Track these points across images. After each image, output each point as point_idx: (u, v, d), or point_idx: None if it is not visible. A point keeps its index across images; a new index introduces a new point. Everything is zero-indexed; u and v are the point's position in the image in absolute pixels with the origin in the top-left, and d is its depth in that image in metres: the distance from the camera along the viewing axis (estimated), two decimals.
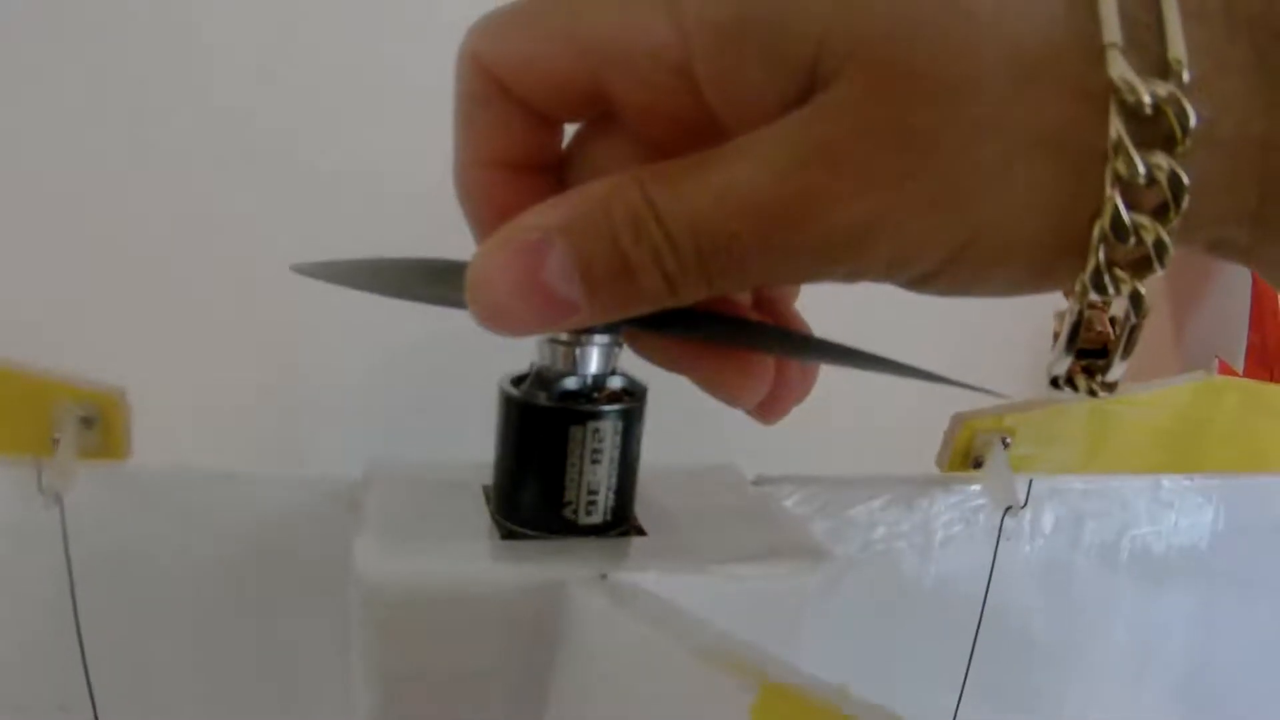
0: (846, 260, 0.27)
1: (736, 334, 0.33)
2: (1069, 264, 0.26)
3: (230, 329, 0.62)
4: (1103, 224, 0.25)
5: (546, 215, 0.27)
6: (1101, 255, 0.26)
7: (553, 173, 0.32)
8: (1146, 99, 0.24)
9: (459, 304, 0.30)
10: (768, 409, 0.34)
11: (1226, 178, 0.26)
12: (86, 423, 0.40)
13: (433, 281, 0.33)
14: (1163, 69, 0.25)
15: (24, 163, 0.58)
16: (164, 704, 0.43)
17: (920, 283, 0.28)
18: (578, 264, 0.27)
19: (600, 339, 0.32)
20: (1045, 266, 0.27)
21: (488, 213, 0.32)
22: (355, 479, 0.39)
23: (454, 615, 0.31)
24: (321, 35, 0.62)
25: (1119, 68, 0.24)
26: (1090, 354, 0.29)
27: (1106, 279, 0.26)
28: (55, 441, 0.40)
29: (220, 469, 0.41)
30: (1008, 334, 0.76)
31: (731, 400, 0.33)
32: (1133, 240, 0.25)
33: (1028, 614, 0.52)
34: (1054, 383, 0.30)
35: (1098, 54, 0.25)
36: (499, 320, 0.28)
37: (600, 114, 0.31)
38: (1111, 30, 0.25)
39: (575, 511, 0.33)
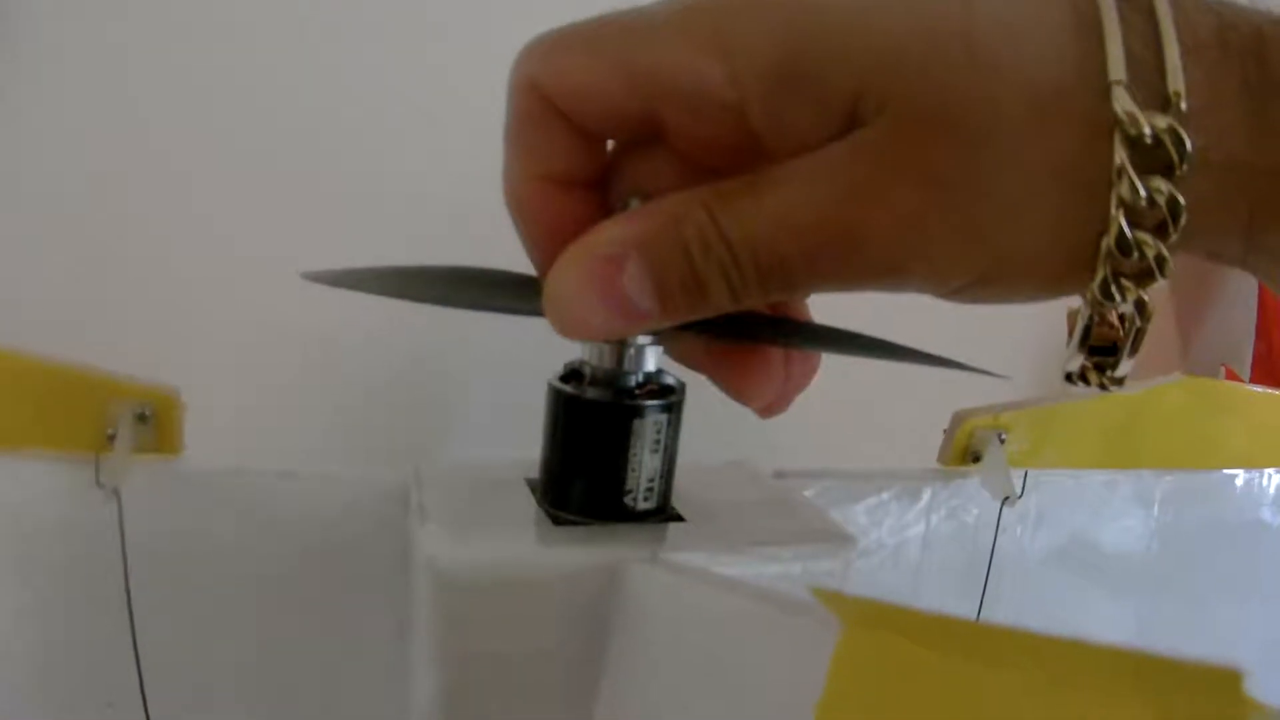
0: (882, 280, 0.31)
1: (761, 330, 0.38)
2: (1080, 276, 0.30)
3: (270, 332, 0.65)
4: (1109, 241, 0.29)
5: (622, 231, 0.31)
6: (1108, 269, 0.30)
7: (598, 186, 0.36)
8: (1147, 130, 0.28)
9: (501, 309, 0.35)
10: (773, 408, 0.38)
11: (1220, 198, 0.30)
12: (141, 420, 0.43)
13: (468, 288, 0.37)
14: (1163, 102, 0.28)
15: (79, 168, 0.61)
16: (214, 699, 0.46)
17: (949, 296, 0.32)
18: (652, 276, 0.31)
19: (648, 340, 0.36)
20: (1059, 280, 0.31)
21: (538, 224, 0.35)
22: (404, 477, 0.42)
23: (518, 597, 0.35)
24: (361, 44, 0.64)
25: (1123, 102, 0.28)
26: (1100, 351, 0.33)
27: (1114, 289, 0.30)
28: (111, 438, 0.43)
29: (273, 466, 0.44)
30: (1018, 327, 0.80)
31: (745, 399, 0.37)
32: (1136, 255, 0.29)
33: (1014, 607, 0.56)
34: (1068, 378, 0.35)
35: (1104, 91, 0.28)
36: (578, 327, 0.32)
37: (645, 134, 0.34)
38: (1117, 69, 0.29)
39: (635, 499, 0.37)
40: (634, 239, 0.31)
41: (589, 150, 0.35)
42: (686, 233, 0.31)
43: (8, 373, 0.42)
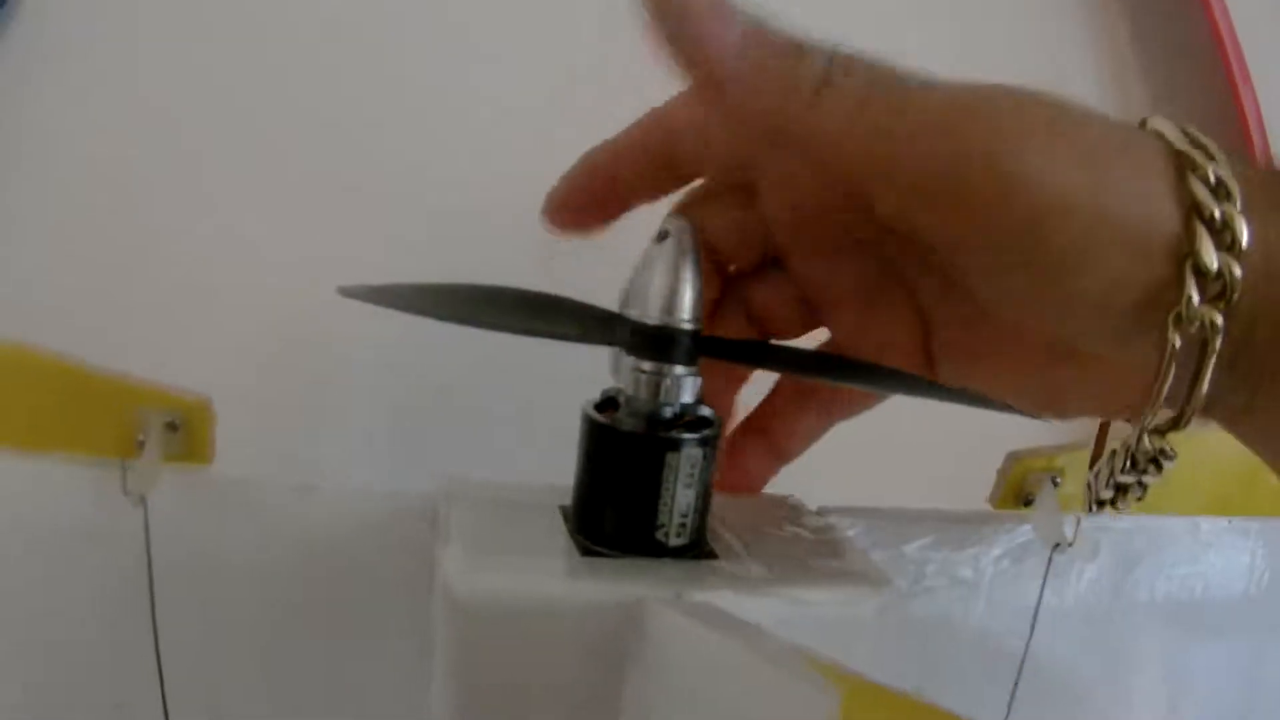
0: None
1: (800, 364, 0.38)
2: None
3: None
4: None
5: None
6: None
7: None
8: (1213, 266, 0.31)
9: (535, 333, 0.36)
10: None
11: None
12: (171, 428, 0.43)
13: (504, 310, 0.37)
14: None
15: (110, 172, 0.61)
16: (231, 708, 0.46)
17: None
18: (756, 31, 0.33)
19: (686, 370, 0.36)
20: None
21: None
22: (432, 495, 0.42)
23: (535, 628, 0.35)
24: (398, 52, 0.65)
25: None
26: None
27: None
28: (140, 444, 0.43)
29: (302, 480, 0.44)
30: None
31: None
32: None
33: (1069, 656, 0.55)
34: (1099, 504, 0.39)
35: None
36: (663, 14, 0.33)
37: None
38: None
39: (666, 534, 0.36)
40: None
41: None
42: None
43: (38, 374, 0.42)
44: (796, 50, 0.32)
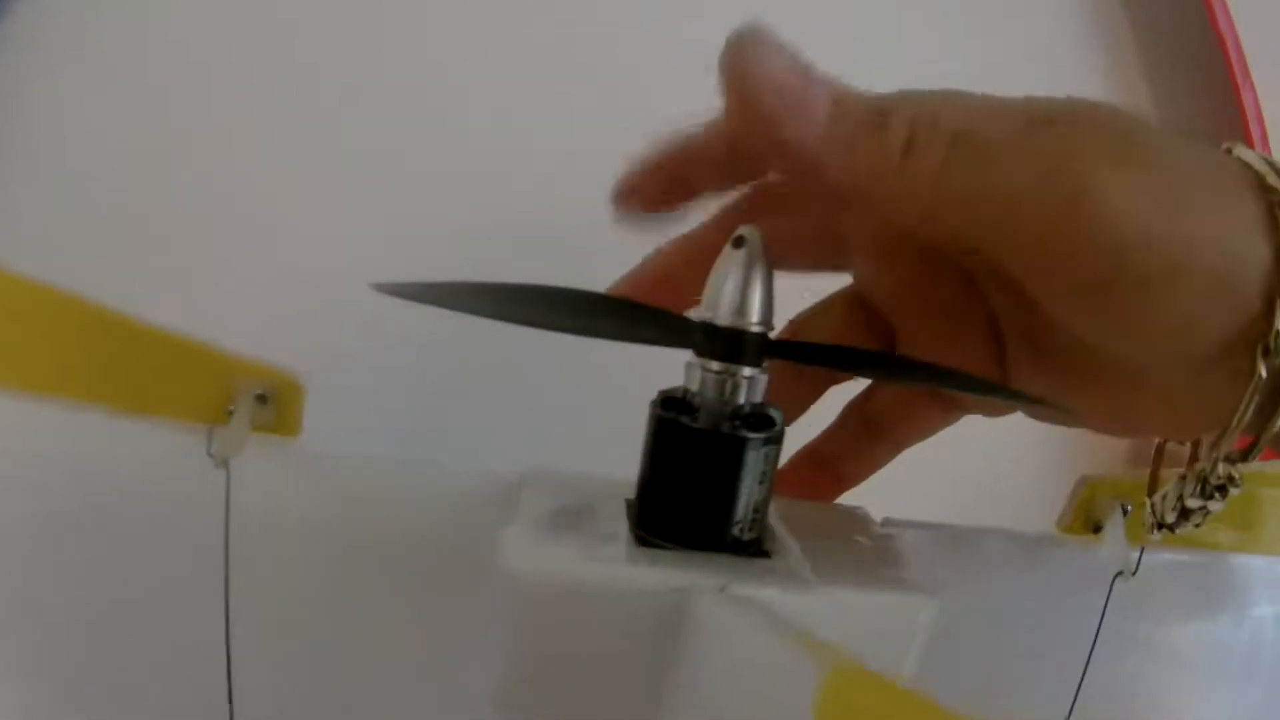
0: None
1: (868, 365, 0.39)
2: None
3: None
4: None
5: None
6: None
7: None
8: None
9: (598, 334, 0.37)
10: None
11: None
12: (261, 400, 0.45)
13: (552, 309, 0.38)
14: None
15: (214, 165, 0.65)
16: (299, 675, 0.48)
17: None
18: (841, 98, 0.34)
19: (754, 371, 0.37)
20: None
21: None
22: (511, 479, 0.44)
23: (583, 607, 0.36)
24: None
25: None
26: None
27: None
28: (229, 414, 0.45)
29: (384, 457, 0.46)
30: None
31: None
32: None
33: (1128, 685, 0.55)
34: (1161, 527, 0.40)
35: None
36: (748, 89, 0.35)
37: None
38: None
39: (742, 530, 0.38)
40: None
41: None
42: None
43: (130, 339, 0.44)
44: (880, 117, 0.34)
